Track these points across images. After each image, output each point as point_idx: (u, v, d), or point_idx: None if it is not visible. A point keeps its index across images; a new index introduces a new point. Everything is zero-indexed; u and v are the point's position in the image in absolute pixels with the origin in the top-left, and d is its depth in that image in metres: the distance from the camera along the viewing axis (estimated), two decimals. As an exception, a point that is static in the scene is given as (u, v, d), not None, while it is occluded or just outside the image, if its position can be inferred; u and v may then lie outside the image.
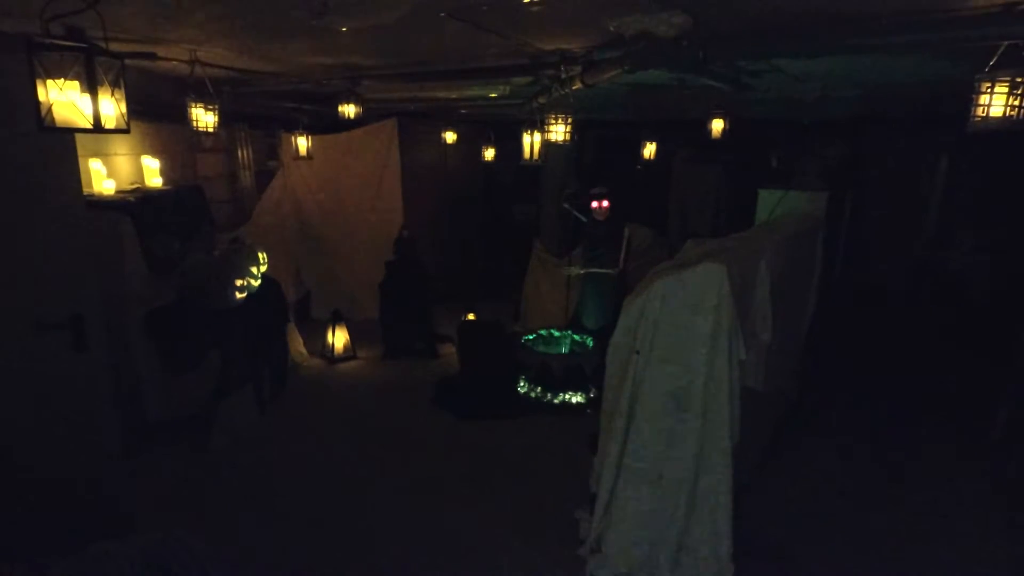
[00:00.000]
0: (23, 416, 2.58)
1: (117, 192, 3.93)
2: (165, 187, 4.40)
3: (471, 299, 6.56)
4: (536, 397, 4.71)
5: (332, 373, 5.36)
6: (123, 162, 4.32)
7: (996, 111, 2.30)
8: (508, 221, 8.70)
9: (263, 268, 4.26)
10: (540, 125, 3.75)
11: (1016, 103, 2.28)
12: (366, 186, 6.50)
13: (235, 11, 2.51)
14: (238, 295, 4.02)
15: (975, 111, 2.35)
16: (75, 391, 2.70)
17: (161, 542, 2.72)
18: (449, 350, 5.73)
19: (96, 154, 3.96)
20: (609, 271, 5.14)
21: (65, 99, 1.80)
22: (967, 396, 4.90)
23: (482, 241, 8.45)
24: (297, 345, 5.47)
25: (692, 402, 2.49)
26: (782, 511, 3.36)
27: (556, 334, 5.22)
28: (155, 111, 4.35)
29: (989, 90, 2.29)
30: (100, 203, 3.65)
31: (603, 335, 4.09)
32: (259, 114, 5.69)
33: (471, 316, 5.96)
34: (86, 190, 3.46)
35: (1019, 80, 2.25)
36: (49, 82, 1.77)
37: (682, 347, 2.48)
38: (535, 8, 2.31)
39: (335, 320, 5.54)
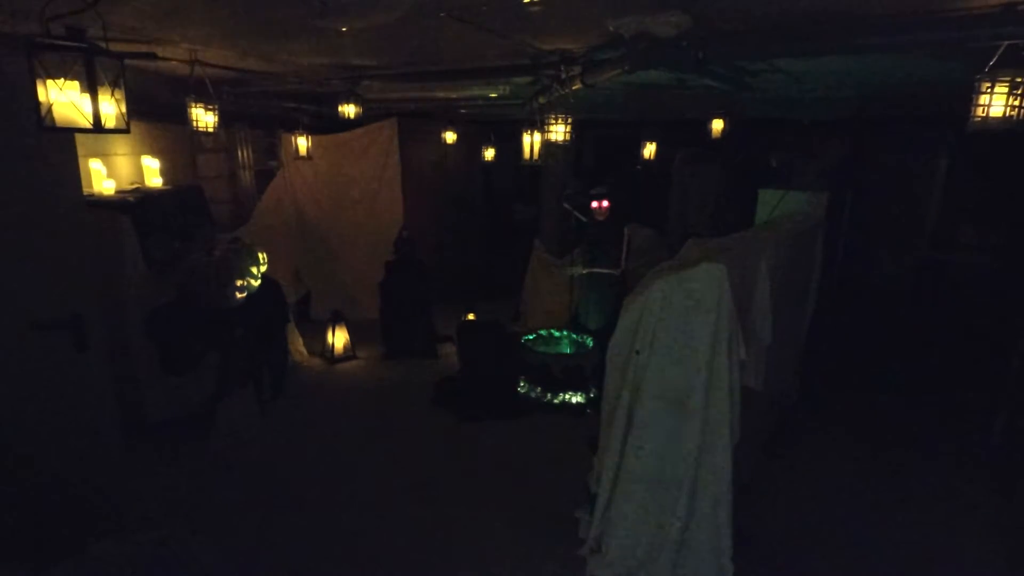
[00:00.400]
0: (23, 416, 2.58)
1: (117, 192, 3.93)
2: (165, 187, 4.40)
3: (471, 299, 6.56)
4: (536, 397, 4.71)
5: (332, 373, 5.36)
6: (123, 162, 4.32)
7: (996, 111, 2.30)
8: (508, 221, 8.70)
9: (263, 268, 4.25)
10: (540, 125, 3.75)
11: (1016, 103, 2.27)
12: (366, 186, 6.50)
13: (235, 11, 2.51)
14: (238, 295, 4.02)
15: (975, 111, 2.34)
16: (75, 391, 2.70)
17: (161, 542, 2.72)
18: (449, 350, 5.73)
19: (96, 154, 3.96)
20: (611, 271, 5.14)
21: (65, 99, 1.80)
22: (967, 396, 4.90)
23: (482, 241, 8.45)
24: (297, 345, 5.47)
25: (692, 402, 2.49)
26: (782, 511, 3.37)
27: (556, 334, 5.22)
28: (155, 111, 4.34)
29: (989, 90, 2.29)
30: (100, 203, 3.66)
31: (603, 335, 4.09)
32: (259, 114, 5.69)
33: (471, 316, 5.96)
34: (86, 190, 3.46)
35: (1019, 80, 2.25)
36: (49, 82, 1.77)
37: (682, 347, 2.48)
38: (535, 8, 2.31)
39: (335, 320, 5.54)
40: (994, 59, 2.28)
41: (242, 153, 5.82)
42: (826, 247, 4.49)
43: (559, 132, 3.51)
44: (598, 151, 8.50)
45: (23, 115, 1.85)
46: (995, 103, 2.29)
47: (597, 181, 5.56)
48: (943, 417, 4.59)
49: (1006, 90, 2.27)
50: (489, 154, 6.84)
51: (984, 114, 2.32)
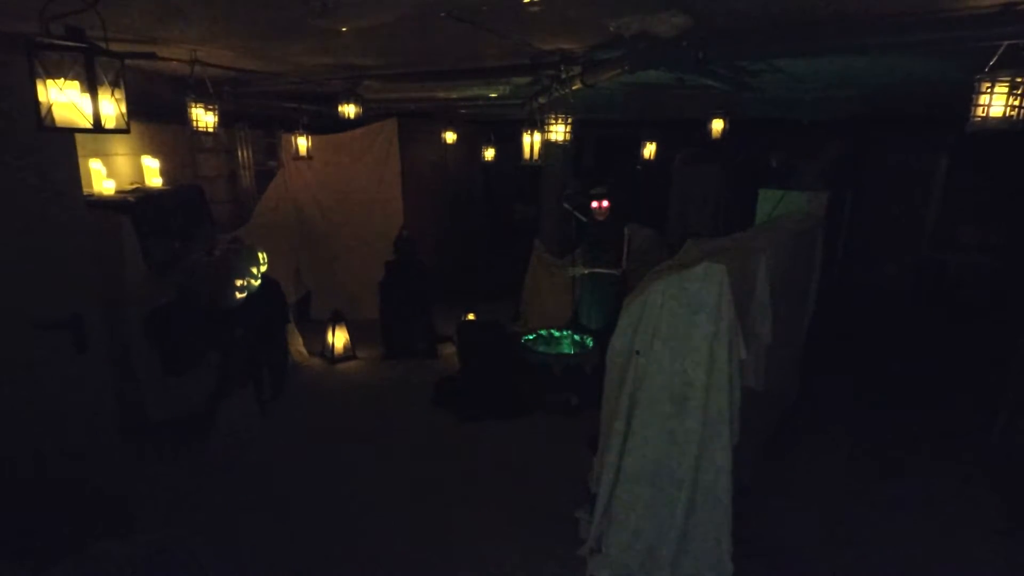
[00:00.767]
0: (23, 416, 2.58)
1: (117, 192, 3.93)
2: (165, 187, 4.39)
3: (471, 299, 6.56)
4: (536, 397, 4.71)
5: (332, 373, 5.36)
6: (123, 162, 4.32)
7: (996, 111, 2.30)
8: (508, 221, 8.71)
9: (263, 268, 4.25)
10: (540, 125, 3.75)
11: (1016, 103, 2.28)
12: (366, 186, 6.50)
13: (235, 11, 2.51)
14: (238, 295, 4.02)
15: (975, 111, 2.35)
16: (75, 391, 2.70)
17: (161, 542, 2.72)
18: (449, 350, 5.73)
19: (96, 154, 3.96)
20: (611, 271, 5.14)
21: (65, 99, 1.80)
22: (967, 397, 4.90)
23: (482, 241, 8.45)
24: (297, 345, 5.47)
25: (692, 402, 2.49)
26: (782, 511, 3.37)
27: (556, 334, 5.22)
28: (155, 111, 4.35)
29: (989, 90, 2.29)
30: (100, 203, 3.65)
31: (603, 335, 4.09)
32: (259, 114, 5.69)
33: (471, 316, 5.96)
34: (86, 190, 3.46)
35: (1019, 80, 2.25)
36: (49, 82, 1.77)
37: (682, 347, 2.48)
38: (535, 8, 2.31)
39: (335, 320, 5.54)
40: (994, 59, 2.28)
41: (242, 153, 5.82)
42: (826, 247, 4.49)
43: (559, 132, 3.51)
44: (598, 151, 8.51)
45: (23, 115, 1.85)
46: (995, 103, 2.29)
47: (597, 181, 5.57)
48: (943, 417, 4.59)
49: (1006, 90, 2.27)
50: (489, 154, 6.84)
51: (984, 114, 2.32)
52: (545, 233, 7.03)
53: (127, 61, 1.96)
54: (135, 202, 3.80)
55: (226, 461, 3.76)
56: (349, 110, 4.10)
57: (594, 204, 5.24)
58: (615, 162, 8.05)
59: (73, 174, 2.65)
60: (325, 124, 5.83)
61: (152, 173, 4.39)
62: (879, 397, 4.95)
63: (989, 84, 2.29)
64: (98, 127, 1.84)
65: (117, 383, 3.07)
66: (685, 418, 2.51)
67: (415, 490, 3.53)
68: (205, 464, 3.71)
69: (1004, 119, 2.29)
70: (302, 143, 5.19)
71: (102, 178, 3.88)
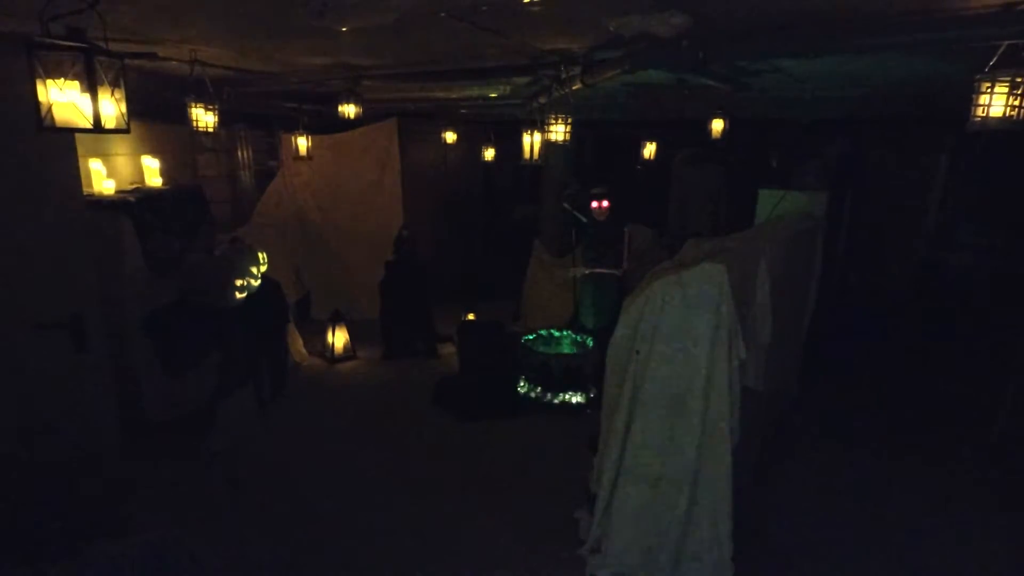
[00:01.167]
0: (23, 416, 2.58)
1: (117, 192, 3.93)
2: (165, 187, 4.39)
3: (471, 299, 6.56)
4: (536, 397, 4.71)
5: (332, 373, 5.36)
6: (123, 162, 4.32)
7: (996, 111, 2.30)
8: (508, 221, 8.70)
9: (263, 268, 4.25)
10: (540, 125, 3.75)
11: (1016, 103, 2.27)
12: (366, 186, 6.50)
13: (235, 11, 2.51)
14: (238, 295, 4.02)
15: (975, 111, 2.34)
16: (75, 391, 2.70)
17: (160, 542, 2.72)
18: (449, 350, 5.73)
19: (96, 154, 3.96)
20: (613, 271, 5.14)
21: (65, 99, 1.80)
22: (967, 397, 4.90)
23: (482, 241, 8.44)
24: (297, 345, 5.47)
25: (692, 402, 2.49)
26: (782, 511, 3.37)
27: (556, 334, 5.22)
28: (155, 111, 4.34)
29: (989, 90, 2.29)
30: (100, 203, 3.65)
31: (603, 335, 4.09)
32: (259, 114, 5.69)
33: (471, 316, 5.96)
34: (86, 190, 3.46)
35: (1019, 80, 2.25)
36: (49, 82, 1.77)
37: (682, 347, 2.48)
38: (535, 8, 2.31)
39: (335, 320, 5.54)
40: (994, 59, 2.28)
41: (242, 153, 5.82)
42: (826, 247, 4.49)
43: (559, 132, 3.51)
44: (598, 151, 8.51)
45: (23, 115, 1.85)
46: (995, 103, 2.29)
47: (597, 181, 5.57)
48: (943, 417, 4.59)
49: (1006, 90, 2.27)
50: (489, 154, 6.83)
51: (984, 114, 2.32)
52: (545, 233, 7.03)
53: (127, 61, 1.96)
54: (135, 202, 3.80)
55: (226, 461, 3.76)
56: (349, 110, 4.10)
57: (594, 204, 5.25)
58: (615, 162, 8.05)
59: (73, 174, 2.65)
60: (325, 124, 5.84)
61: (152, 173, 4.39)
62: (879, 397, 4.95)
63: (989, 84, 2.29)
64: (98, 127, 1.84)
65: (117, 383, 3.07)
66: (685, 418, 2.52)
67: (415, 490, 3.53)
68: (205, 464, 3.71)
69: (1004, 119, 2.29)
70: (302, 143, 5.19)
71: (102, 178, 3.88)
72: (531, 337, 5.12)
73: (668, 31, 2.51)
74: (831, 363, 5.24)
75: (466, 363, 5.12)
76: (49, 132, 1.83)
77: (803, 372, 4.58)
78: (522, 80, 3.89)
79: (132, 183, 4.28)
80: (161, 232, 3.96)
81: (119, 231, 3.57)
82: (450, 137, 6.78)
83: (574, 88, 3.34)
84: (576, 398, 4.68)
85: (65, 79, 1.78)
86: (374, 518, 3.25)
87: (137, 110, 2.32)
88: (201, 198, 4.71)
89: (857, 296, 6.51)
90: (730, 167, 7.23)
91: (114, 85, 1.87)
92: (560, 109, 3.53)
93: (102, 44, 1.85)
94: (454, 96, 5.21)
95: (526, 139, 3.97)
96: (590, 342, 5.03)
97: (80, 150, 2.67)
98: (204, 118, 3.67)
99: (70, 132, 1.93)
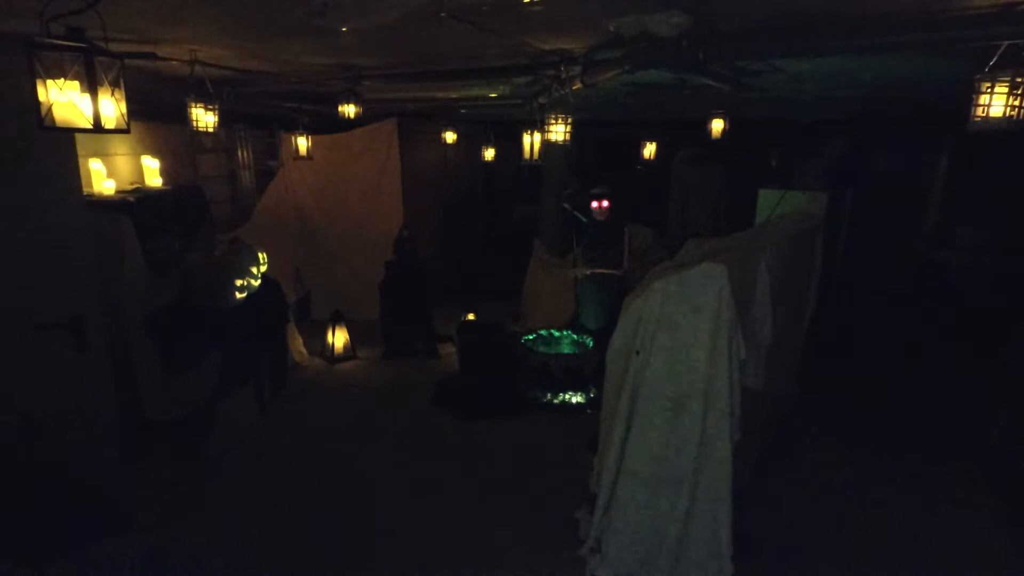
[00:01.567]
0: (23, 416, 2.58)
1: (117, 192, 3.93)
2: (165, 187, 4.40)
3: (471, 299, 6.56)
4: (536, 397, 4.71)
5: (332, 373, 5.36)
6: (123, 162, 4.32)
7: (996, 111, 2.29)
8: (508, 221, 8.71)
9: (263, 268, 4.25)
10: (540, 125, 3.75)
11: (1016, 103, 2.27)
12: (366, 186, 6.50)
13: (235, 11, 2.51)
14: (238, 295, 4.02)
15: (975, 111, 2.34)
16: (75, 391, 2.70)
17: (160, 542, 2.72)
18: (449, 350, 5.73)
19: (96, 154, 3.96)
20: (613, 271, 5.14)
21: (65, 99, 1.80)
22: (966, 397, 4.90)
23: (482, 241, 8.45)
24: (297, 345, 5.47)
25: (692, 402, 2.49)
26: (782, 511, 3.37)
27: (556, 334, 5.22)
28: (155, 111, 4.34)
29: (989, 90, 2.29)
30: (100, 203, 3.65)
31: (603, 335, 4.09)
32: (259, 114, 5.69)
33: (471, 316, 5.95)
34: (86, 190, 3.46)
35: (1019, 80, 2.25)
36: (49, 82, 1.77)
37: (682, 347, 2.48)
38: (535, 8, 2.31)
39: (335, 320, 5.55)
40: (994, 59, 2.28)
41: (242, 153, 5.82)
42: (826, 247, 4.49)
43: (559, 132, 3.51)
44: (598, 151, 8.51)
45: (23, 115, 1.85)
46: (995, 103, 2.29)
47: (597, 181, 5.57)
48: (943, 417, 4.59)
49: (1006, 90, 2.26)
50: (489, 154, 6.83)
51: (984, 114, 2.32)
52: (545, 233, 7.03)
53: (127, 61, 1.96)
54: (135, 202, 3.80)
55: (226, 461, 3.76)
56: (349, 110, 4.10)
57: (594, 204, 5.25)
58: (615, 162, 8.05)
59: (73, 174, 2.65)
60: (325, 124, 5.84)
61: (152, 173, 4.39)
62: (879, 397, 4.95)
63: (989, 84, 2.29)
64: (98, 127, 1.84)
65: (117, 383, 3.06)
66: (685, 418, 2.52)
67: (415, 490, 3.53)
68: (204, 464, 3.71)
69: (1004, 119, 2.29)
70: (302, 143, 5.19)
71: (102, 178, 3.88)
72: (531, 337, 5.12)
73: (668, 31, 2.51)
74: (831, 363, 5.24)
75: (466, 363, 5.12)
76: (49, 132, 1.83)
77: (803, 372, 4.58)
78: (522, 80, 3.88)
79: (132, 183, 4.29)
80: (161, 232, 3.96)
81: (119, 231, 3.57)
82: (450, 137, 6.78)
83: (574, 88, 3.34)
84: (576, 398, 4.68)
85: (65, 79, 1.77)
86: (374, 518, 3.25)
87: (137, 110, 2.32)
88: (201, 198, 4.71)
89: (857, 296, 6.50)
90: (730, 167, 7.24)
91: (114, 85, 1.87)
92: (560, 109, 3.53)
93: (102, 44, 1.84)
94: (454, 96, 5.21)
95: (526, 139, 3.97)
96: (590, 342, 5.03)
97: (80, 150, 2.67)
98: (204, 118, 3.66)
99: (70, 132, 1.93)
